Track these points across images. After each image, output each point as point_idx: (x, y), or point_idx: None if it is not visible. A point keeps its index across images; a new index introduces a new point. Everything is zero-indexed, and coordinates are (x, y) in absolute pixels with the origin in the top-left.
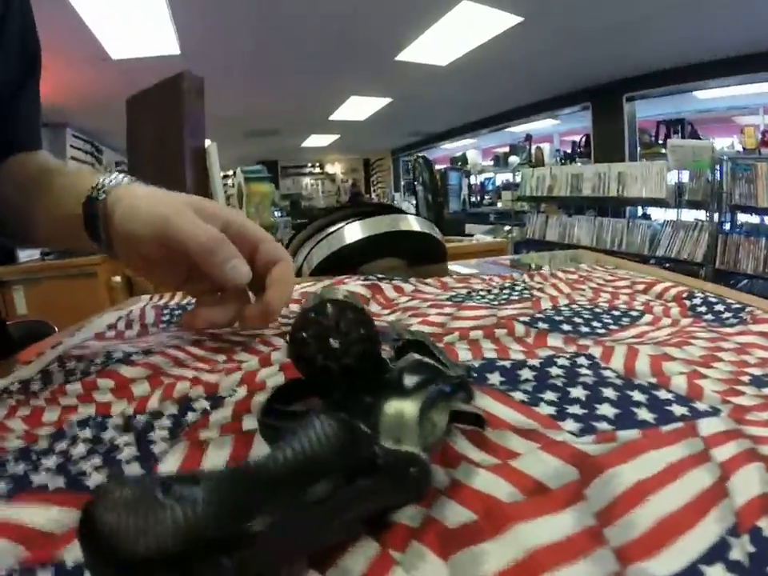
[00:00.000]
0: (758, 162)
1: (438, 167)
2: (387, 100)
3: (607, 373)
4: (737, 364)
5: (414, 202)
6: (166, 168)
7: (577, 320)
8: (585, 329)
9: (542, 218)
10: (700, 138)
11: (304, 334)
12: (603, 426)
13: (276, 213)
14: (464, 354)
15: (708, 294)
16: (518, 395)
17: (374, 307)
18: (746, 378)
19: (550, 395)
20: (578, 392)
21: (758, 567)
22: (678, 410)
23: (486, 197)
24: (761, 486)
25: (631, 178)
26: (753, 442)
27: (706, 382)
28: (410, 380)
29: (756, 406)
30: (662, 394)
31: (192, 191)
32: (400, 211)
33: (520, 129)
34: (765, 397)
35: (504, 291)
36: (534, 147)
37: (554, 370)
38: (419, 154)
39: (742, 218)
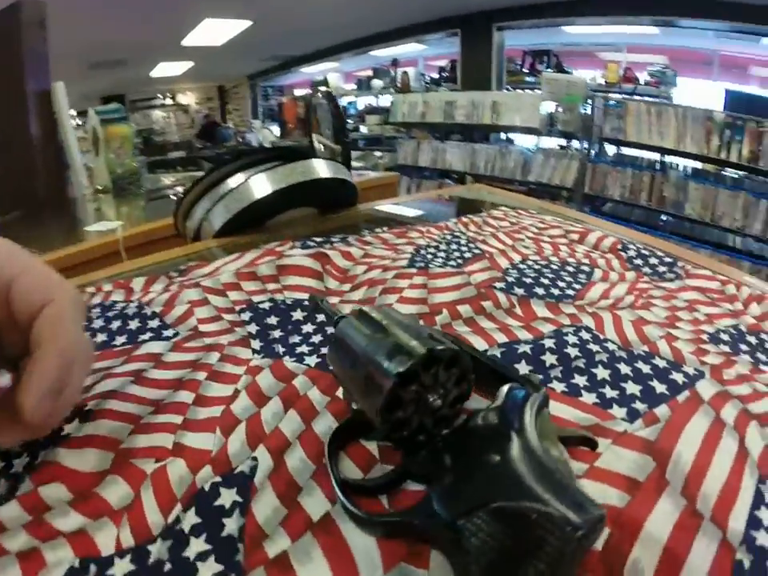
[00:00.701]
0: (629, 101)
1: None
2: (247, 23)
3: (610, 346)
4: (692, 322)
5: (279, 129)
6: (4, 116)
7: (543, 281)
8: (555, 291)
9: (414, 143)
10: (565, 70)
11: (401, 404)
12: (638, 405)
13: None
14: (476, 341)
15: (639, 246)
16: (556, 385)
17: (330, 283)
18: (704, 336)
19: (580, 380)
20: (601, 372)
21: None
22: (678, 377)
23: (350, 120)
24: (761, 439)
25: (505, 106)
26: (741, 401)
27: (680, 344)
28: (522, 422)
29: (723, 364)
30: (660, 362)
31: (38, 140)
32: (306, 156)
33: (383, 53)
34: (724, 354)
35: (452, 247)
36: (400, 72)
37: (571, 351)
38: (322, 88)
39: (611, 149)
